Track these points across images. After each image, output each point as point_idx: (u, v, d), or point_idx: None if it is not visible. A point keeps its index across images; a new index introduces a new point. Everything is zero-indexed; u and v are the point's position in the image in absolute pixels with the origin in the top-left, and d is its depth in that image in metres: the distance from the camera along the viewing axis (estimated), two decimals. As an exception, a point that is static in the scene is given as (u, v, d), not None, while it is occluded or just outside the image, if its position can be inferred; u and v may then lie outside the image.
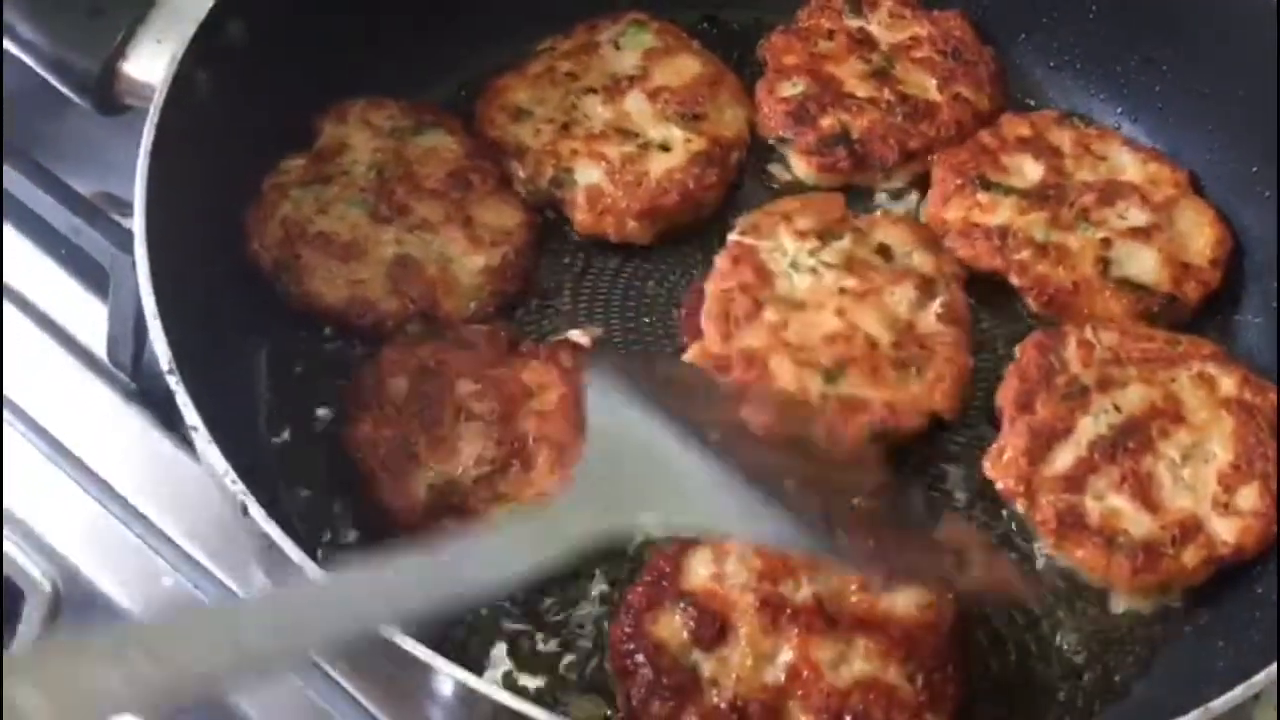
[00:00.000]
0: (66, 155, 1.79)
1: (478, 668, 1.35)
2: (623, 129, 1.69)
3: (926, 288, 1.57)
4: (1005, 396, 1.53)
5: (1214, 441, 1.48)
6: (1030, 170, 1.70)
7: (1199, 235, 1.65)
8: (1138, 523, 1.43)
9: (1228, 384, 1.52)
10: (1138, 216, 1.66)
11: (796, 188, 1.74)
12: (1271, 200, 1.64)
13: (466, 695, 1.14)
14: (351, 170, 1.62)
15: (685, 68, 1.76)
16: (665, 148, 1.68)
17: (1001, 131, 1.73)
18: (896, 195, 1.73)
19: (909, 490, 1.40)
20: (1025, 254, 1.62)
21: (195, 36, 1.46)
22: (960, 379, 1.52)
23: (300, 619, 0.95)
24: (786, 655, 1.31)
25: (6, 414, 1.62)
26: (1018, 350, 1.56)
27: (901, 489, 1.36)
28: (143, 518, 1.55)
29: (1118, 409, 1.50)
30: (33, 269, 1.73)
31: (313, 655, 1.04)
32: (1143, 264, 1.62)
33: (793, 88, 1.76)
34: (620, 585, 1.41)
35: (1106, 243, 1.63)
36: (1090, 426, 1.49)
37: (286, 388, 1.54)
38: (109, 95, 1.56)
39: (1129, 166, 1.71)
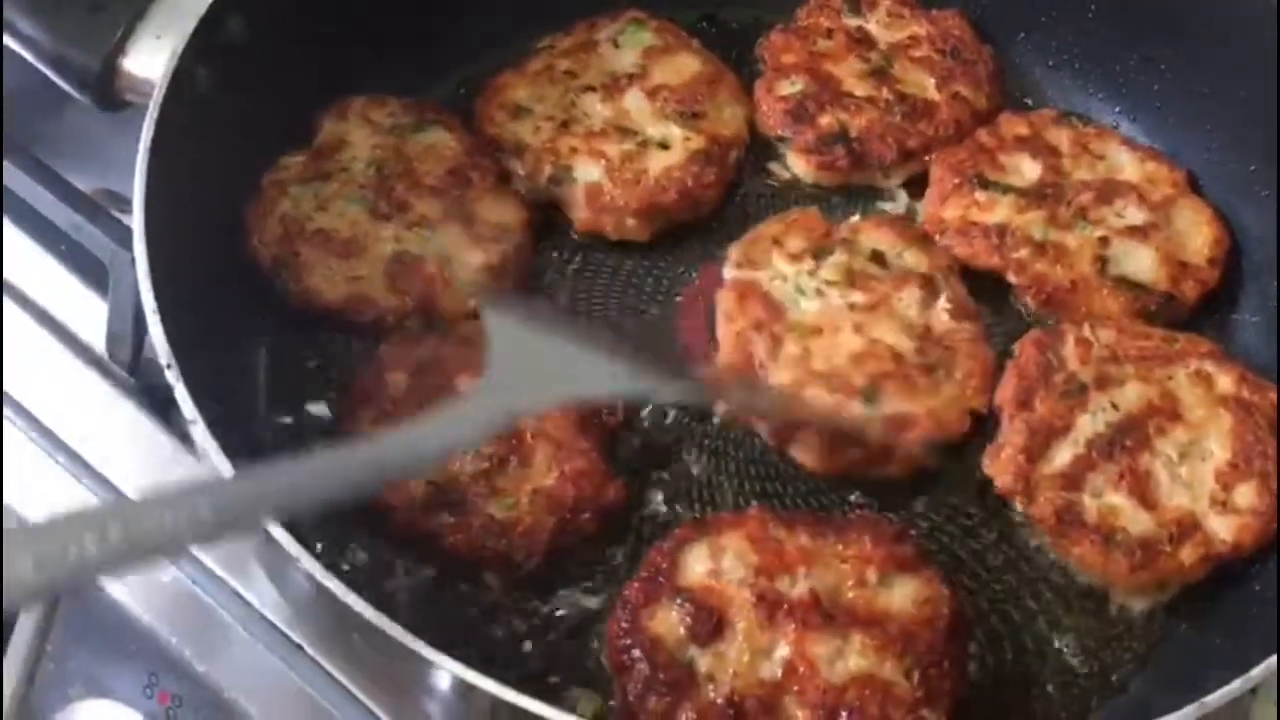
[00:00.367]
0: (67, 152, 1.80)
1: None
2: (622, 127, 1.70)
3: (928, 286, 1.58)
4: (1004, 394, 1.53)
5: (1212, 439, 1.49)
6: (1028, 169, 1.70)
7: (1197, 234, 1.66)
8: (1136, 520, 1.44)
9: (1225, 382, 1.52)
10: (1135, 215, 1.66)
11: (795, 186, 1.74)
12: (1269, 200, 1.64)
13: (465, 690, 1.15)
14: (351, 167, 1.63)
15: (684, 66, 1.77)
16: (664, 146, 1.68)
17: (1000, 131, 1.74)
18: (893, 195, 1.73)
19: None
20: (1023, 252, 1.62)
21: (195, 32, 1.46)
22: (988, 372, 1.53)
23: (251, 498, 1.06)
24: (783, 651, 1.31)
25: (6, 410, 1.62)
26: (1016, 348, 1.56)
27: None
28: (141, 513, 1.55)
29: (1116, 407, 1.50)
30: (33, 265, 1.73)
31: (269, 526, 1.17)
32: (1140, 262, 1.63)
33: (791, 86, 1.76)
34: (617, 581, 1.41)
35: (1104, 241, 1.63)
36: (1088, 424, 1.49)
37: (285, 383, 1.54)
38: (109, 91, 1.57)
39: (1127, 166, 1.72)
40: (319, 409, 1.52)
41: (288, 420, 1.52)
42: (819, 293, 1.57)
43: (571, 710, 1.15)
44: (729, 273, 1.60)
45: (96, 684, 1.52)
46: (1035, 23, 1.85)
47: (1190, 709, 1.16)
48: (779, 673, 1.30)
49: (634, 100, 1.72)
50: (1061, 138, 1.74)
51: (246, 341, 1.55)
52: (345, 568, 1.40)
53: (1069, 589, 1.46)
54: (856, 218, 1.68)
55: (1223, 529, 1.43)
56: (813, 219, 1.64)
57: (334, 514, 1.43)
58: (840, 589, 1.35)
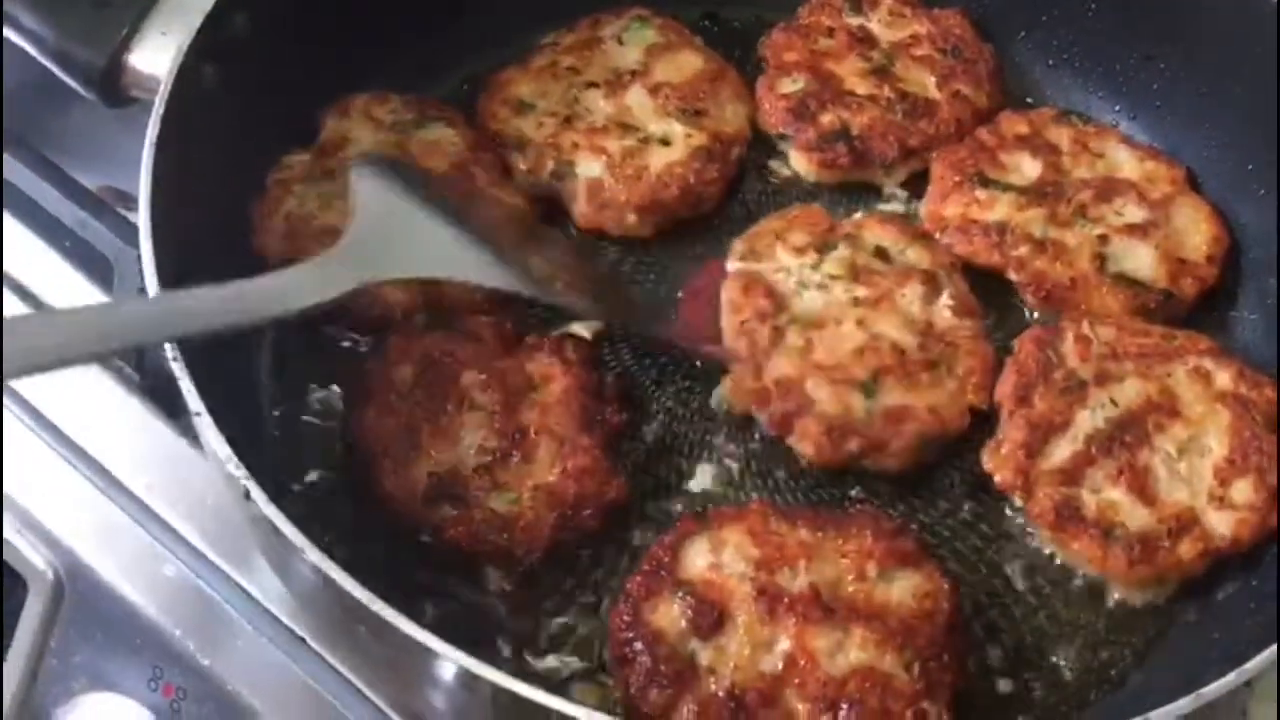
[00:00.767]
0: (72, 148, 1.81)
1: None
2: (624, 123, 1.71)
3: (931, 283, 1.59)
4: (1003, 390, 1.54)
5: (1210, 435, 1.49)
6: (1028, 167, 1.71)
7: (1196, 232, 1.67)
8: (1134, 515, 1.44)
9: (1223, 378, 1.53)
10: (1135, 213, 1.67)
11: (796, 183, 1.75)
12: (1268, 197, 1.65)
13: (468, 681, 1.15)
14: (355, 165, 1.63)
15: (687, 64, 1.78)
16: (666, 142, 1.69)
17: (1000, 129, 1.75)
18: (893, 193, 1.74)
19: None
20: (1023, 250, 1.63)
21: (200, 29, 1.47)
22: (988, 369, 1.54)
23: (137, 320, 1.23)
24: (784, 644, 1.32)
25: (11, 405, 1.63)
26: (1015, 345, 1.57)
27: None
28: (145, 507, 1.57)
29: (1114, 403, 1.51)
30: (37, 261, 1.74)
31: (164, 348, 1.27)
32: (1140, 260, 1.63)
33: (793, 84, 1.77)
34: (619, 574, 1.42)
35: (1104, 239, 1.64)
36: (1087, 420, 1.50)
37: (290, 376, 1.55)
38: (114, 88, 1.57)
39: (1126, 164, 1.73)
40: (324, 402, 1.52)
41: (292, 413, 1.52)
42: (822, 286, 1.58)
43: (574, 701, 1.16)
44: (733, 265, 1.61)
45: (101, 678, 1.52)
46: (1036, 22, 1.86)
47: (1187, 700, 1.16)
48: (780, 666, 1.31)
49: (636, 97, 1.73)
50: (1061, 136, 1.74)
51: (251, 334, 1.55)
52: (347, 562, 1.40)
53: (1068, 583, 1.46)
54: (860, 214, 1.69)
55: (1221, 524, 1.44)
56: (816, 215, 1.65)
57: (335, 501, 1.45)
58: (841, 583, 1.36)
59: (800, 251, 1.61)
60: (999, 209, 1.67)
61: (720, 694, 1.29)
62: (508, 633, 1.39)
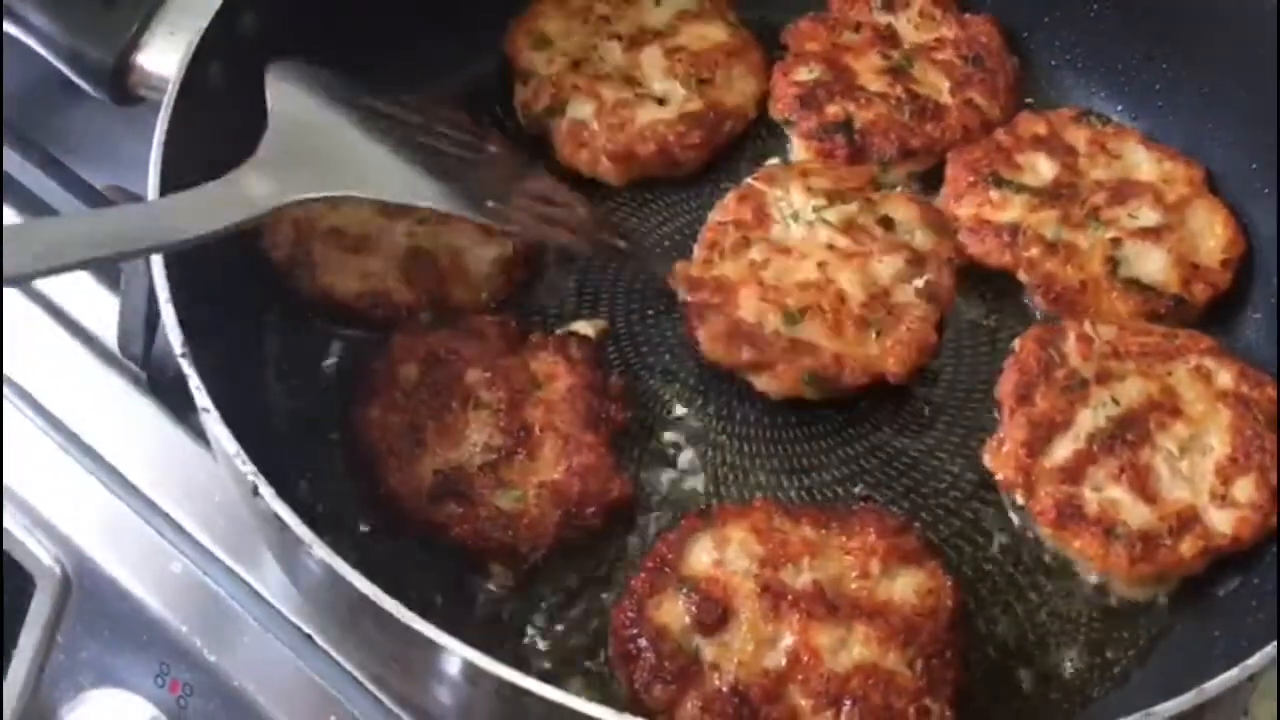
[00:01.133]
0: (79, 148, 1.82)
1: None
2: (629, 77, 1.75)
3: (916, 263, 1.60)
4: (1004, 389, 1.54)
5: (1211, 434, 1.50)
6: (1044, 168, 1.72)
7: (1210, 236, 1.66)
8: (1136, 514, 1.45)
9: (1225, 377, 1.53)
10: (1149, 216, 1.67)
11: (787, 171, 1.76)
12: (1271, 197, 1.65)
13: (473, 676, 1.16)
14: (360, 165, 1.64)
15: (711, 34, 1.81)
16: (662, 102, 1.73)
17: (1017, 130, 1.75)
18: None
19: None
20: (1034, 251, 1.63)
21: (208, 28, 1.47)
22: (919, 348, 1.54)
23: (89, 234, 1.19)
24: (787, 640, 1.32)
25: (19, 401, 1.63)
26: (1016, 344, 1.58)
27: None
28: (152, 504, 1.57)
29: (1116, 402, 1.51)
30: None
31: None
32: (1152, 264, 1.64)
33: (808, 73, 1.79)
34: (623, 571, 1.43)
35: (1116, 242, 1.64)
36: (1089, 419, 1.50)
37: (297, 374, 1.55)
38: (122, 87, 1.58)
39: (1144, 165, 1.73)
40: (330, 399, 1.53)
41: (299, 410, 1.53)
42: (811, 226, 1.61)
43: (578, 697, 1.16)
44: (747, 180, 1.66)
45: (108, 674, 1.53)
46: (1038, 22, 1.86)
47: (1188, 697, 1.17)
48: (783, 662, 1.32)
49: (651, 55, 1.78)
50: (1079, 137, 1.75)
51: (258, 332, 1.57)
52: (353, 558, 1.41)
53: (1070, 581, 1.47)
54: (898, 189, 1.70)
55: (1222, 522, 1.45)
56: (860, 173, 1.68)
57: (341, 498, 1.46)
58: (844, 580, 1.37)
59: (813, 194, 1.63)
60: (1012, 210, 1.67)
61: (724, 690, 1.30)
62: (512, 628, 1.40)
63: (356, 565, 1.18)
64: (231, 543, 1.53)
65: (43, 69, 1.62)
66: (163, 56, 1.55)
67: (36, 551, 1.57)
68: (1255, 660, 1.20)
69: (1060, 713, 1.40)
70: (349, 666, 1.47)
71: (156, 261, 1.31)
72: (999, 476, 1.50)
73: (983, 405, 1.58)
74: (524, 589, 1.41)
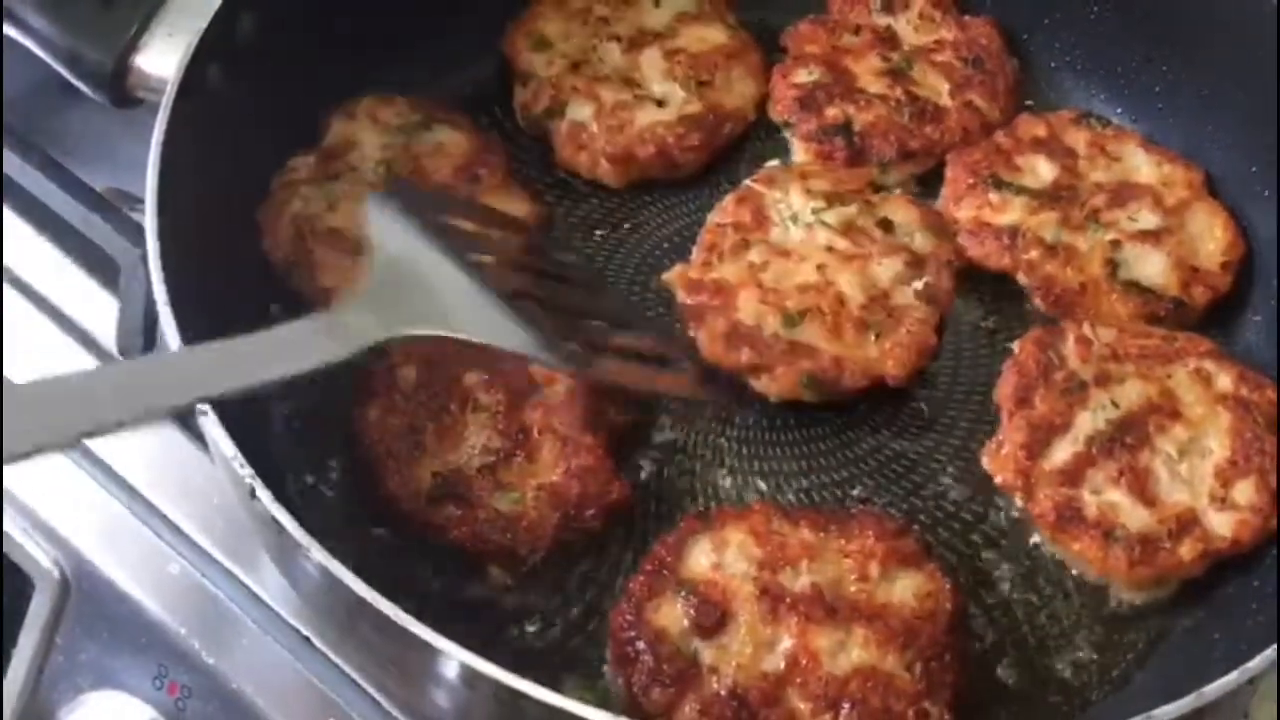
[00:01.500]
0: (78, 150, 1.81)
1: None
2: (628, 78, 1.76)
3: (916, 266, 1.60)
4: (1003, 391, 1.54)
5: (1211, 437, 1.50)
6: (1044, 170, 1.71)
7: (1211, 239, 1.66)
8: (1135, 516, 1.45)
9: (1224, 380, 1.53)
10: (1149, 219, 1.67)
11: (786, 173, 1.76)
12: (1271, 200, 1.65)
13: (472, 678, 1.16)
14: (360, 167, 1.64)
15: (710, 36, 1.81)
16: (661, 103, 1.74)
17: (1017, 132, 1.75)
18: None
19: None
20: (1034, 254, 1.63)
21: (207, 30, 1.48)
22: (919, 351, 1.54)
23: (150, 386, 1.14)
24: (786, 644, 1.32)
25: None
26: (1016, 346, 1.57)
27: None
28: (150, 506, 1.57)
29: (1115, 404, 1.51)
30: (44, 262, 1.75)
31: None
32: (1151, 267, 1.63)
33: (807, 75, 1.79)
34: (622, 574, 1.43)
35: (1116, 244, 1.64)
36: (1088, 421, 1.50)
37: (295, 376, 1.54)
38: (121, 89, 1.58)
39: (1143, 167, 1.72)
40: (328, 402, 1.52)
41: (298, 413, 1.53)
42: (810, 228, 1.61)
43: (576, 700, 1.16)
44: (746, 182, 1.66)
45: (106, 676, 1.53)
46: (1038, 24, 1.86)
47: (1188, 700, 1.17)
48: (782, 665, 1.31)
49: (650, 56, 1.78)
50: (1079, 139, 1.74)
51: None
52: (351, 561, 1.41)
53: (1069, 584, 1.47)
54: (897, 191, 1.70)
55: (1222, 525, 1.44)
56: (859, 175, 1.68)
57: (339, 501, 1.46)
58: (843, 583, 1.36)
59: (812, 196, 1.63)
60: (1012, 212, 1.67)
61: (722, 693, 1.29)
62: (511, 631, 1.40)
63: (354, 568, 1.18)
64: (230, 545, 1.53)
65: (42, 71, 1.62)
66: (161, 58, 1.55)
67: (35, 554, 1.57)
68: (1255, 663, 1.20)
69: (1060, 715, 1.40)
70: (347, 669, 1.47)
71: (154, 266, 1.32)
72: (998, 479, 1.50)
73: (982, 408, 1.58)
74: (522, 591, 1.41)
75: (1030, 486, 1.48)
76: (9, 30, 1.60)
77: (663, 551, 1.38)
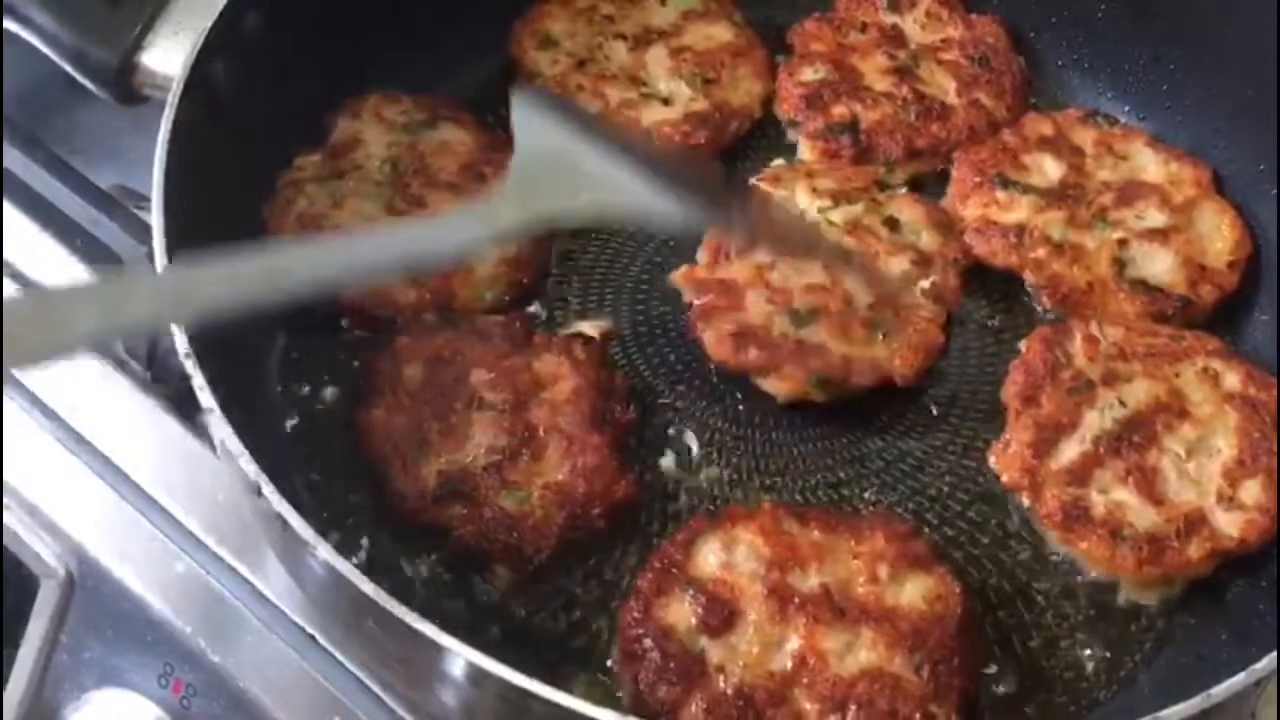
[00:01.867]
0: (84, 148, 1.82)
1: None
2: (634, 77, 1.76)
3: (922, 264, 1.60)
4: (1010, 391, 1.54)
5: (1218, 436, 1.49)
6: (1051, 169, 1.71)
7: (1218, 238, 1.66)
8: (1142, 516, 1.44)
9: (1232, 379, 1.53)
10: (1156, 217, 1.66)
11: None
12: (1276, 198, 1.65)
13: (477, 677, 1.16)
14: (366, 165, 1.64)
15: (716, 34, 1.81)
16: (667, 102, 1.74)
17: (1024, 130, 1.74)
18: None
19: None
20: (1041, 252, 1.63)
21: (213, 28, 1.48)
22: (927, 350, 1.54)
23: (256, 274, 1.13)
24: (793, 644, 1.32)
25: (22, 400, 1.63)
26: (1023, 345, 1.57)
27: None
28: (156, 504, 1.57)
29: (1123, 403, 1.51)
30: (49, 260, 1.74)
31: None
32: (1159, 266, 1.63)
33: (813, 73, 1.78)
34: (628, 572, 1.42)
35: (1123, 243, 1.64)
36: (1095, 421, 1.50)
37: (301, 375, 1.55)
38: (127, 86, 1.58)
39: (1150, 166, 1.72)
40: (334, 400, 1.53)
41: (303, 410, 1.53)
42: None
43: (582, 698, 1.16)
44: (751, 181, 1.67)
45: (111, 674, 1.53)
46: (1045, 23, 1.86)
47: (1195, 701, 1.16)
48: (789, 665, 1.31)
49: (656, 55, 1.78)
50: (1086, 138, 1.74)
51: (263, 333, 1.56)
52: (357, 559, 1.41)
53: (1076, 584, 1.46)
54: (902, 191, 1.69)
55: (1229, 525, 1.44)
56: (864, 174, 1.68)
57: (345, 500, 1.45)
58: (852, 584, 1.36)
59: (818, 194, 1.63)
60: (1019, 210, 1.67)
61: (729, 692, 1.29)
62: (516, 629, 1.39)
63: (360, 566, 1.18)
64: (235, 543, 1.53)
65: (47, 68, 1.62)
66: (167, 56, 1.55)
67: (40, 551, 1.57)
68: (1262, 665, 1.20)
69: (1066, 716, 1.40)
70: (352, 667, 1.47)
71: (160, 261, 1.31)
72: (1005, 478, 1.50)
73: (989, 407, 1.57)
74: (528, 590, 1.41)
75: (1037, 486, 1.47)
76: (13, 27, 1.60)
77: (672, 550, 1.38)
